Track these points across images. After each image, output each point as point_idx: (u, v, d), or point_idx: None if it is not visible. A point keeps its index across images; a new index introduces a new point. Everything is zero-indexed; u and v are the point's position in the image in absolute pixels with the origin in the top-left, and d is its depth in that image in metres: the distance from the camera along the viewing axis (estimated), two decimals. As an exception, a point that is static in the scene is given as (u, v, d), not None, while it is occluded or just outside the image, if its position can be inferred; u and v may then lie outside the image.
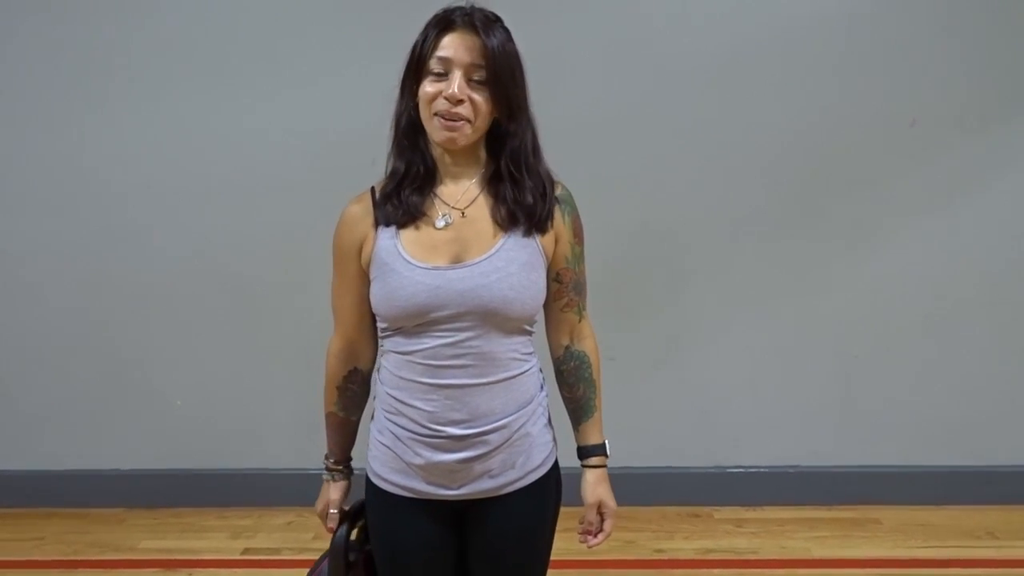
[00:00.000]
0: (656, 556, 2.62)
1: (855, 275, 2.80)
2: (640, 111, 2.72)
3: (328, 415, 1.45)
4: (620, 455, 2.86)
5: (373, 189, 1.35)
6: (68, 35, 2.73)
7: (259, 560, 2.61)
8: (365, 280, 1.33)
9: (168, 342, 2.92)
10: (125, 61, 2.73)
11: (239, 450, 2.95)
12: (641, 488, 2.90)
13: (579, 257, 1.39)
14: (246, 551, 2.66)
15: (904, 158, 2.73)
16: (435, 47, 1.24)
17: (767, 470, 2.91)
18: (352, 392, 1.42)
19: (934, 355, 2.84)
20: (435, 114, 1.24)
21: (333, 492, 1.45)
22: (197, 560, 2.63)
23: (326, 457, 1.48)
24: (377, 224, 1.31)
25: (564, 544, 2.58)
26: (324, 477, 1.48)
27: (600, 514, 1.44)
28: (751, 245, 2.80)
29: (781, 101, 2.70)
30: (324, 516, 1.46)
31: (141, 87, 2.75)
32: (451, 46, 1.23)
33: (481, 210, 1.30)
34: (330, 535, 1.43)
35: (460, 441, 1.29)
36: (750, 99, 2.70)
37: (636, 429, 2.89)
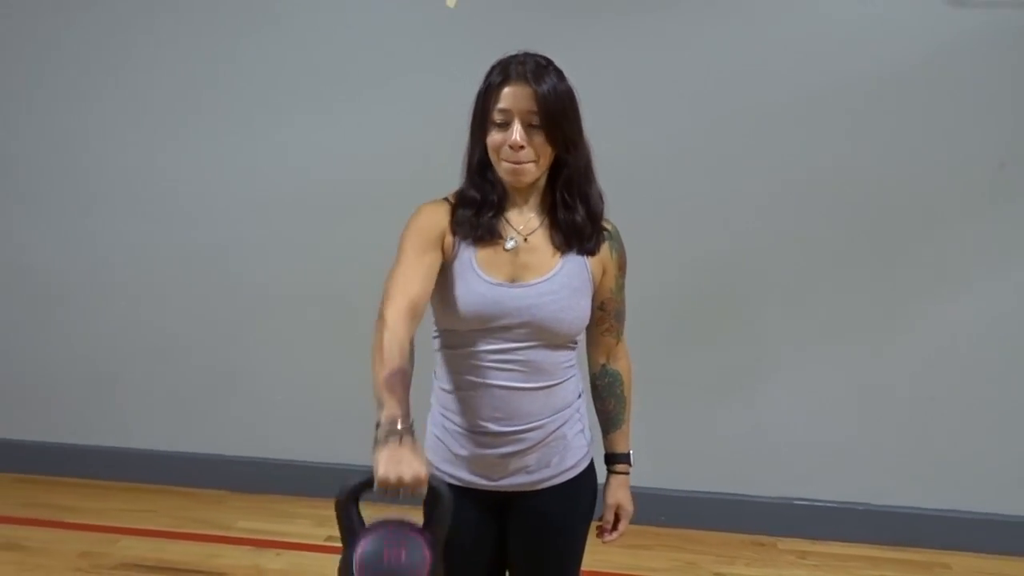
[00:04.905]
0: (715, 579, 2.69)
1: (935, 316, 2.77)
2: (723, 146, 2.77)
3: (397, 371, 1.28)
4: (686, 479, 2.97)
5: (448, 200, 1.49)
6: (188, 64, 3.00)
7: (340, 547, 2.79)
8: (439, 259, 1.41)
9: (270, 342, 3.13)
10: (241, 88, 2.99)
11: (329, 445, 3.09)
12: (705, 513, 2.95)
13: (621, 288, 1.55)
14: (329, 538, 2.80)
15: (991, 200, 2.69)
16: (496, 100, 1.38)
17: (835, 505, 2.90)
18: (411, 349, 1.34)
19: (1014, 401, 2.77)
20: (502, 160, 1.40)
21: (423, 454, 1.23)
22: (285, 542, 2.83)
23: (396, 421, 1.21)
24: (454, 234, 1.45)
25: (626, 559, 2.70)
26: (398, 440, 1.18)
27: (616, 515, 1.59)
28: (829, 280, 2.81)
29: (867, 140, 2.71)
30: (418, 484, 1.15)
31: (255, 113, 2.99)
32: (508, 98, 1.37)
33: (541, 238, 1.46)
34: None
35: (499, 437, 1.45)
36: (836, 138, 2.72)
37: (703, 455, 2.94)
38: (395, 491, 1.13)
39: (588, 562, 1.63)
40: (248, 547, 2.81)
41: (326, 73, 2.94)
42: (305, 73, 2.96)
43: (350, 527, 1.20)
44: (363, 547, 1.16)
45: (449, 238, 1.44)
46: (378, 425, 1.22)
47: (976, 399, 2.79)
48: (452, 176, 1.51)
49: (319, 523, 2.93)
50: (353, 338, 3.05)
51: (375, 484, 1.15)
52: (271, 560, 2.73)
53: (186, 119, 3.06)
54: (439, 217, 1.45)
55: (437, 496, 1.20)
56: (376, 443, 1.19)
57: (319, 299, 3.08)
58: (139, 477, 3.28)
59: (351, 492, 1.20)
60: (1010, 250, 2.72)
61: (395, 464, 1.14)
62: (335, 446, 3.09)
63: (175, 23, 3.00)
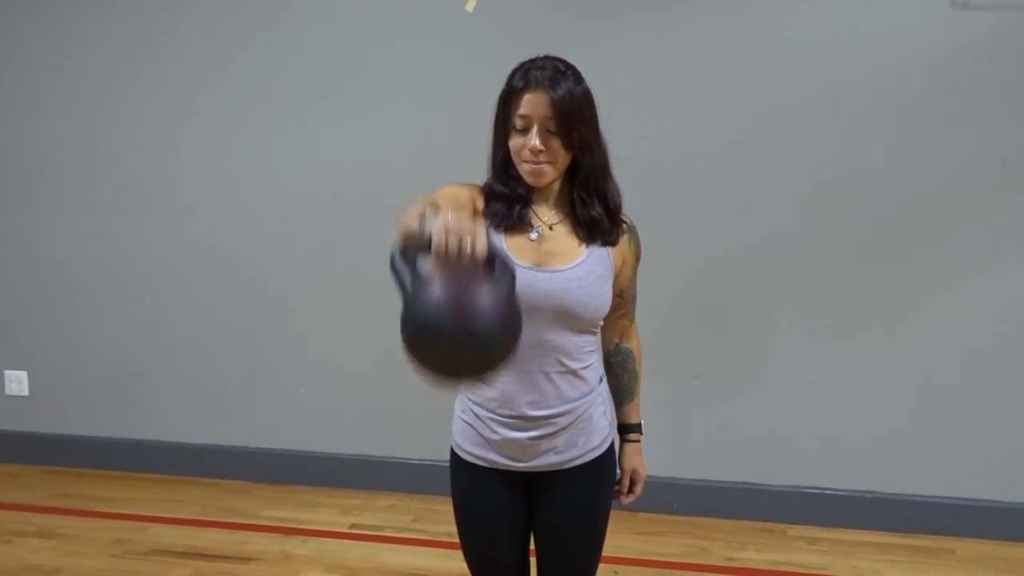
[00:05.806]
0: (726, 563, 2.74)
1: (940, 309, 2.83)
2: (737, 146, 2.84)
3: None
4: (698, 468, 3.04)
5: (481, 189, 1.56)
6: (209, 66, 3.10)
7: (364, 535, 2.85)
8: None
9: (292, 338, 3.23)
10: (262, 90, 3.08)
11: (351, 437, 3.21)
12: (718, 501, 3.02)
13: (635, 276, 1.64)
14: (353, 526, 2.91)
15: (994, 197, 2.74)
16: (517, 105, 1.45)
17: (844, 493, 2.96)
18: None
19: (1016, 391, 2.83)
20: (523, 161, 1.47)
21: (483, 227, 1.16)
22: (310, 530, 2.92)
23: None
24: (484, 219, 1.51)
25: (640, 545, 2.78)
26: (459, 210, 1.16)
27: (632, 480, 1.69)
28: (838, 276, 2.87)
29: (873, 140, 2.77)
30: (478, 242, 1.12)
31: (276, 115, 3.09)
32: (528, 104, 1.44)
33: (564, 230, 1.53)
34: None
35: (531, 422, 1.52)
36: (842, 138, 2.78)
37: (716, 445, 3.02)
38: (453, 251, 1.06)
39: (604, 548, 1.69)
40: (275, 534, 2.91)
41: (346, 75, 3.02)
42: (325, 75, 3.04)
43: (412, 270, 1.11)
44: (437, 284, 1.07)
45: (479, 214, 1.50)
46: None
47: (980, 390, 2.85)
48: (473, 177, 1.57)
49: (343, 511, 3.01)
50: (372, 334, 3.18)
51: (432, 240, 1.06)
52: (297, 546, 2.83)
53: (207, 121, 3.15)
54: (473, 193, 1.50)
55: (498, 260, 1.11)
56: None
57: (339, 296, 3.17)
58: (168, 469, 3.39)
59: (405, 244, 1.09)
60: (1011, 245, 2.76)
61: (457, 221, 1.10)
62: (356, 438, 3.24)
63: (196, 27, 3.10)
